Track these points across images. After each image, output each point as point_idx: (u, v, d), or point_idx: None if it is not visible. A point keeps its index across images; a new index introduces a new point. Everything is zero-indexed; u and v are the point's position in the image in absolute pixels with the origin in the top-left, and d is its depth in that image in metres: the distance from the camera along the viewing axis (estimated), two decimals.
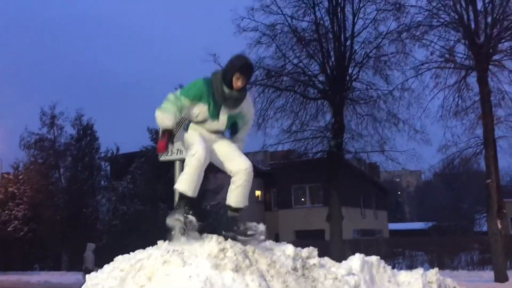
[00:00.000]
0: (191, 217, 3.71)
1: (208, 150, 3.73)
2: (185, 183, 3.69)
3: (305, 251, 4.50)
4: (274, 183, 31.37)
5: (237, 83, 3.68)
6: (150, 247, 3.96)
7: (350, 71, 18.70)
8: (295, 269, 4.09)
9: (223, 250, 3.64)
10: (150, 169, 22.77)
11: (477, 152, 17.18)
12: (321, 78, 19.01)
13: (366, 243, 22.59)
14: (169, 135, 3.72)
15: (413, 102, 17.84)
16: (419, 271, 5.17)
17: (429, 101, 21.41)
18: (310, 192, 31.00)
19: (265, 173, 32.58)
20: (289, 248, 4.33)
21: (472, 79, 16.43)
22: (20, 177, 27.74)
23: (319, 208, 25.41)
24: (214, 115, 3.79)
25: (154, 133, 24.73)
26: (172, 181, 6.26)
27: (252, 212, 31.67)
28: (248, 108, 4.00)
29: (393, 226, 40.61)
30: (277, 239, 4.58)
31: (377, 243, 23.46)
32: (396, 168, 19.98)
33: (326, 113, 19.60)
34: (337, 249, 17.09)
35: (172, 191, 6.13)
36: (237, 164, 3.88)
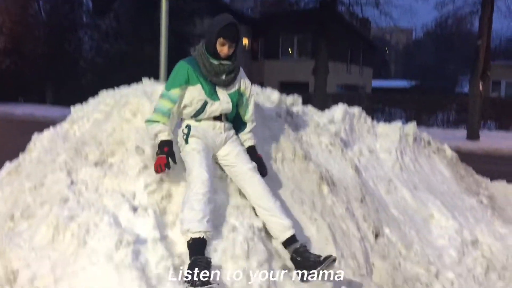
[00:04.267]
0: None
1: (212, 168, 2.94)
2: (189, 219, 2.66)
3: (289, 99, 4.54)
4: (262, 32, 30.61)
5: (223, 50, 2.94)
6: (135, 83, 3.92)
7: None
8: (278, 115, 4.16)
9: None
10: (134, 7, 21.81)
11: (473, 12, 16.74)
12: None
13: (348, 98, 22.94)
14: (169, 150, 2.87)
15: None
16: (397, 124, 5.33)
17: None
18: (298, 43, 30.49)
19: (254, 20, 31.60)
20: (274, 95, 4.36)
21: None
22: None
23: (306, 61, 25.25)
24: (212, 94, 3.01)
25: None
26: (157, 20, 6.02)
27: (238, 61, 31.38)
28: (245, 82, 3.21)
29: (376, 83, 41.08)
30: None
31: (359, 98, 23.90)
32: (388, 24, 19.52)
33: None
34: (321, 101, 17.42)
35: (157, 30, 5.93)
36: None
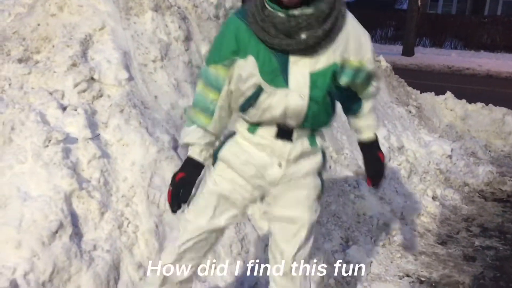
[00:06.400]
0: None
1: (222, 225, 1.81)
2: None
3: (229, 1, 4.38)
4: None
5: None
6: None
7: None
8: (217, 17, 4.02)
9: None
10: None
11: None
12: None
13: None
14: (183, 181, 1.77)
15: None
16: None
17: None
18: None
19: None
20: None
21: None
22: None
23: None
24: (275, 73, 1.59)
25: None
26: None
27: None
28: (357, 42, 1.64)
29: None
30: None
31: None
32: None
33: None
34: None
35: None
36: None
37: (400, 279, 3.05)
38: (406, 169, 4.37)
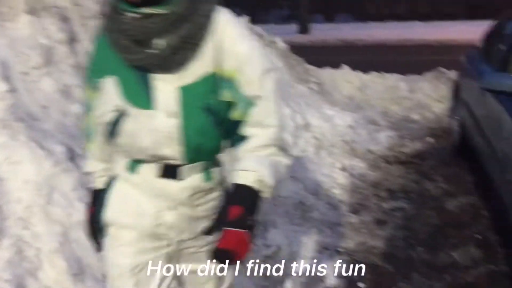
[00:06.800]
0: None
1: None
2: None
3: None
4: None
5: None
6: None
7: None
8: (102, 14, 3.82)
9: None
10: None
11: None
12: None
13: None
14: (91, 216, 1.59)
15: None
16: None
17: None
18: None
19: None
20: None
21: None
22: None
23: None
24: (136, 92, 1.35)
25: None
26: None
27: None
28: (228, 50, 1.33)
29: None
30: None
31: None
32: None
33: None
34: None
35: None
36: None
37: (320, 253, 3.13)
38: (313, 145, 4.48)
